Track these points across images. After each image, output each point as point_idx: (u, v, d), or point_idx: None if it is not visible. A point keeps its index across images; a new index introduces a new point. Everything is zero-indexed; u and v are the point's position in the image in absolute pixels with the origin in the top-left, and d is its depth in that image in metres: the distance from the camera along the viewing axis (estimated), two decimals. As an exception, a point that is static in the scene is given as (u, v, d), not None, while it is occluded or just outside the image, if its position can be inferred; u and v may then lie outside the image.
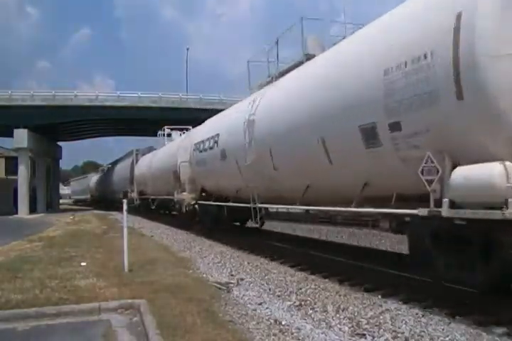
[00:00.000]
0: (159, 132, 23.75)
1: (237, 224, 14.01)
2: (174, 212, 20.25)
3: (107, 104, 34.86)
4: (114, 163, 39.40)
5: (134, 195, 26.29)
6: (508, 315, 4.50)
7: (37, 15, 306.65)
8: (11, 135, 33.41)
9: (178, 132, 22.16)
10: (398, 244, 11.14)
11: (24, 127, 32.75)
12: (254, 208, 9.60)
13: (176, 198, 16.13)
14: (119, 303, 5.31)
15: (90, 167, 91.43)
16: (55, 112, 33.52)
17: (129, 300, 5.38)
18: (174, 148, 17.60)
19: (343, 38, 7.67)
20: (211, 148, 11.94)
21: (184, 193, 14.85)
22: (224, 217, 12.54)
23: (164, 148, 21.24)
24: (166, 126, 23.19)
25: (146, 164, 23.61)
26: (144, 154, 26.77)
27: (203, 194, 13.81)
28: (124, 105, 34.99)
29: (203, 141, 12.83)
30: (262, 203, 9.48)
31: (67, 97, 34.86)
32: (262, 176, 9.03)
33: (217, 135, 11.50)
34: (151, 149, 26.41)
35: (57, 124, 36.29)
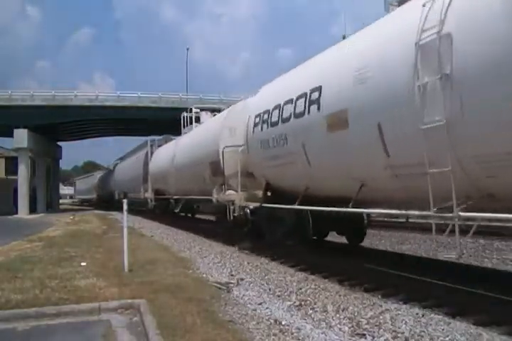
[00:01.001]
0: (183, 114, 18.45)
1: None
2: (211, 218, 15.72)
3: (107, 104, 34.97)
4: (124, 158, 35.71)
5: (148, 194, 21.37)
6: (508, 315, 4.49)
7: (37, 15, 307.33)
8: (11, 135, 33.52)
9: (209, 113, 16.91)
10: (398, 244, 11.17)
11: (24, 127, 32.88)
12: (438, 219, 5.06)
13: (217, 199, 11.82)
14: (119, 303, 5.31)
15: (90, 167, 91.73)
16: (55, 112, 33.62)
17: (129, 300, 5.38)
18: (212, 130, 13.12)
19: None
20: (300, 114, 7.36)
21: (231, 192, 10.88)
22: (307, 229, 8.61)
23: (193, 133, 16.38)
24: (194, 105, 18.24)
25: (165, 156, 18.86)
26: (160, 146, 22.02)
27: (268, 193, 9.50)
28: (124, 105, 35.08)
29: (278, 107, 8.20)
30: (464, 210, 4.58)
31: (67, 97, 34.96)
32: (471, 156, 4.53)
33: (317, 89, 6.91)
34: (167, 139, 21.73)
35: (57, 124, 36.38)
